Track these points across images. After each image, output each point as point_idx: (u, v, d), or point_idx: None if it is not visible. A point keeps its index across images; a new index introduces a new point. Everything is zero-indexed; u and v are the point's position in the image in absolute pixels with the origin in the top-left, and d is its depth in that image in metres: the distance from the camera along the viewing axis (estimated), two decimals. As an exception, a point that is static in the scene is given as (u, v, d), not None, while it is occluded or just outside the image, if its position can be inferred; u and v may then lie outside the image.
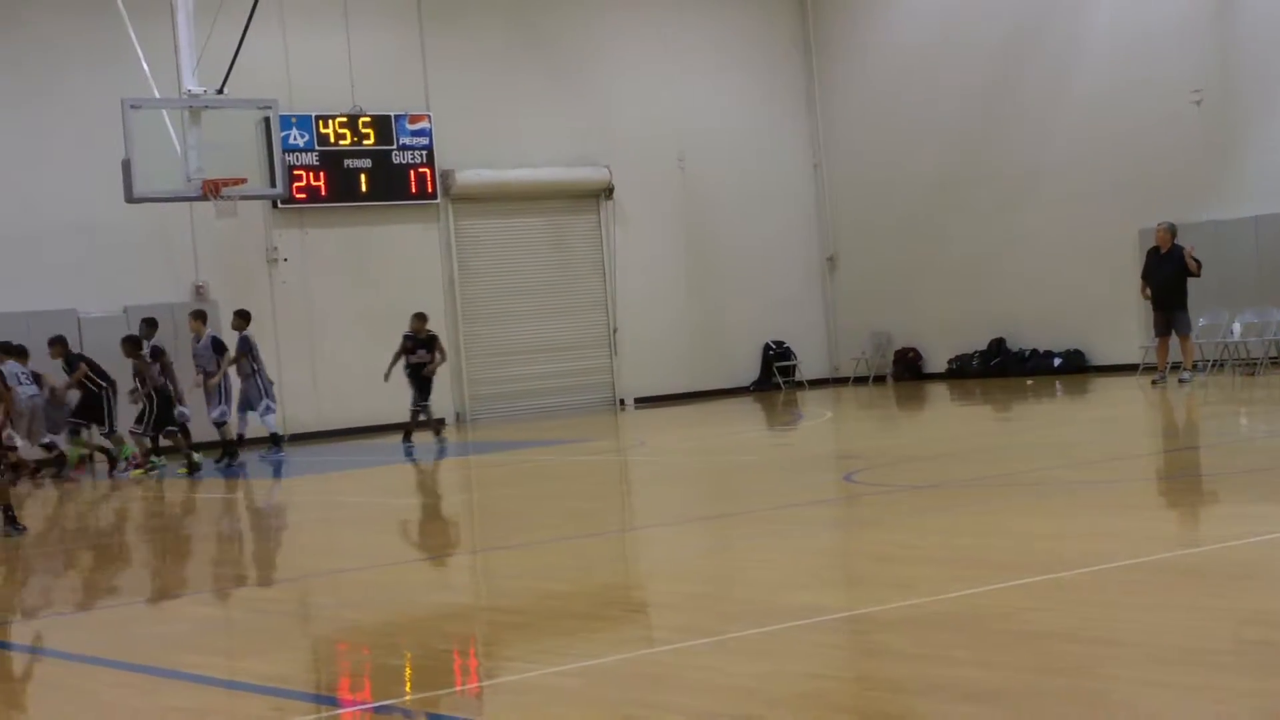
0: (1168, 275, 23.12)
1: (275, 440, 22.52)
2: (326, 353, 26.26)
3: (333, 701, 7.67)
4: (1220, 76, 25.46)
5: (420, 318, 23.22)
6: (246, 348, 22.10)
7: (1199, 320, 24.36)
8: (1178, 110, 25.71)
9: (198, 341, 21.46)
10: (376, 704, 7.42)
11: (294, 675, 8.33)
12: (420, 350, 22.99)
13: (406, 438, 22.97)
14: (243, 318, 22.29)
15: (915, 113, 29.54)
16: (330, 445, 24.95)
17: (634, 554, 12.18)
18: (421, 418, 23.00)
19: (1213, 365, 24.64)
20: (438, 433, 23.18)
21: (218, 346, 21.32)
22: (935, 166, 29.26)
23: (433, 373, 23.04)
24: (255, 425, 22.49)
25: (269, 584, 11.91)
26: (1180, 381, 22.75)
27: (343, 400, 26.35)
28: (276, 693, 7.70)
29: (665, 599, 9.90)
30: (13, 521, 15.21)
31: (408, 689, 7.76)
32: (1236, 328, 24.76)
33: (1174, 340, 23.34)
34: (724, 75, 30.76)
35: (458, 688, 7.79)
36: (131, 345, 21.15)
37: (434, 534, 14.35)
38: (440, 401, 26.96)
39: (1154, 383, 23.06)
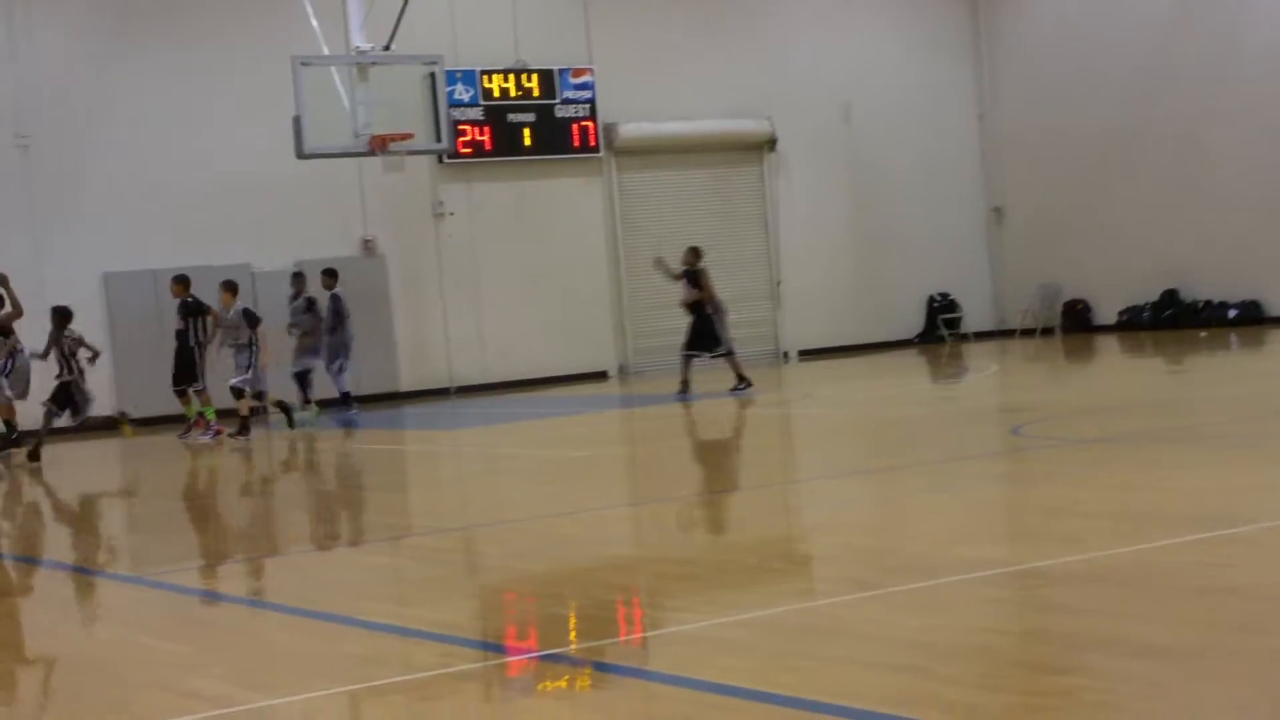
0: None
1: (346, 400, 22.60)
2: (491, 306, 26.50)
3: (500, 649, 7.77)
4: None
5: (694, 252, 22.30)
6: (338, 306, 22.22)
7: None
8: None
9: (228, 312, 21.19)
10: (543, 653, 7.51)
11: (462, 623, 8.46)
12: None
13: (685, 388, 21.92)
14: (332, 276, 22.46)
15: (1083, 61, 28.99)
16: (495, 398, 25.20)
17: (799, 506, 12.17)
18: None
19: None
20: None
21: (250, 318, 21.01)
22: (1104, 115, 28.70)
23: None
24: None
25: (436, 533, 12.08)
26: None
27: (507, 353, 26.60)
28: (446, 639, 7.82)
29: (831, 551, 9.88)
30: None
31: (573, 638, 7.83)
32: None
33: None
34: (888, 25, 30.44)
35: (623, 638, 7.85)
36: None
37: (598, 486, 14.45)
38: (602, 354, 27.12)
39: None
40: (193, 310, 20.82)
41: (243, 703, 6.83)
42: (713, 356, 21.88)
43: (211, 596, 10.01)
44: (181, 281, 21.10)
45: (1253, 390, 17.90)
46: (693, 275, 21.88)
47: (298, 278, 22.71)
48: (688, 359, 21.73)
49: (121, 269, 24.04)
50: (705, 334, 21.61)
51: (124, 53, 24.27)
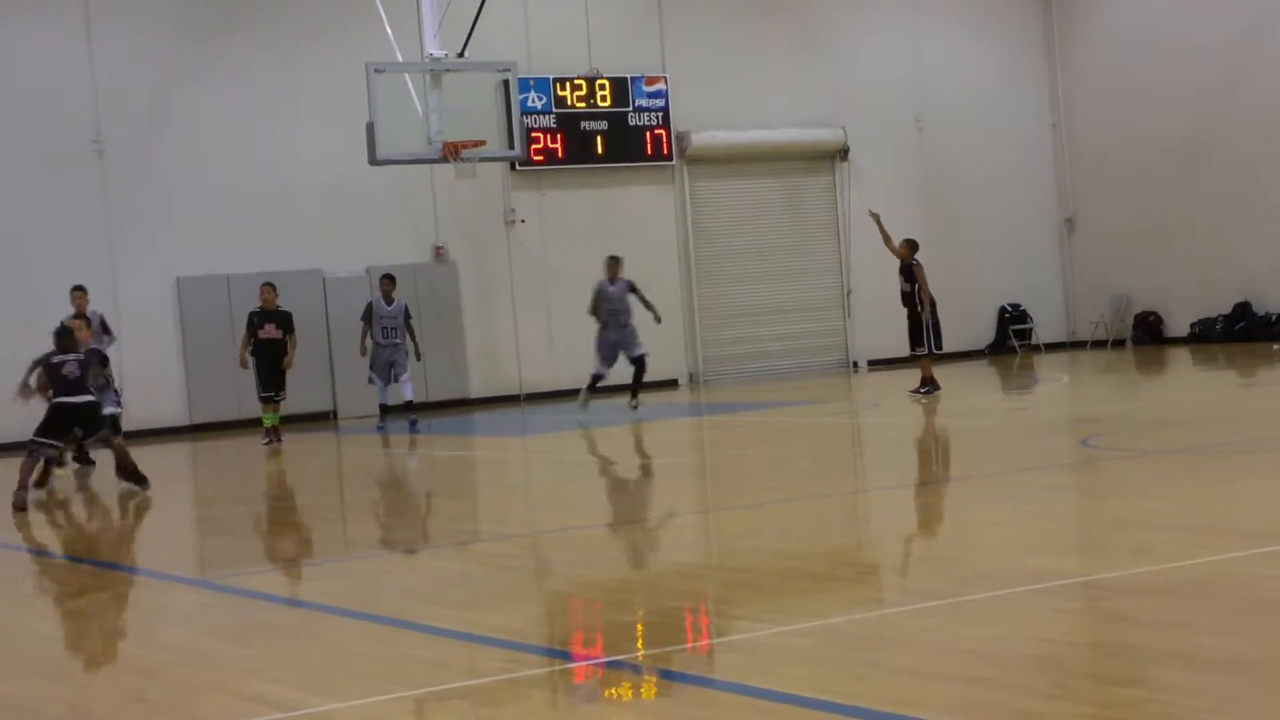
0: None
1: (411, 407, 22.33)
2: (561, 314, 26.54)
3: (565, 656, 7.79)
4: None
5: (911, 245, 21.99)
6: (407, 315, 21.99)
7: None
8: None
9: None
10: (608, 659, 7.52)
11: (527, 629, 8.48)
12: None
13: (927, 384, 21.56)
14: (392, 282, 22.19)
15: (1155, 72, 28.76)
16: (564, 405, 25.25)
17: (866, 515, 12.14)
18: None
19: None
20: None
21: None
22: (1177, 126, 28.46)
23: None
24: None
25: (503, 539, 12.12)
26: None
27: (577, 361, 26.60)
28: (510, 646, 7.85)
29: (897, 561, 9.85)
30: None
31: (639, 646, 7.84)
32: None
33: None
34: (962, 34, 30.30)
35: (688, 645, 7.86)
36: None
37: (665, 493, 14.45)
38: (673, 362, 27.13)
39: None
40: (286, 319, 20.86)
41: (306, 707, 6.88)
42: (912, 355, 21.76)
43: (277, 601, 10.07)
44: (272, 288, 21.15)
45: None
46: (908, 269, 21.75)
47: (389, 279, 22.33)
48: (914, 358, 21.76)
49: (195, 273, 24.25)
50: (914, 330, 21.58)
51: (199, 57, 24.50)
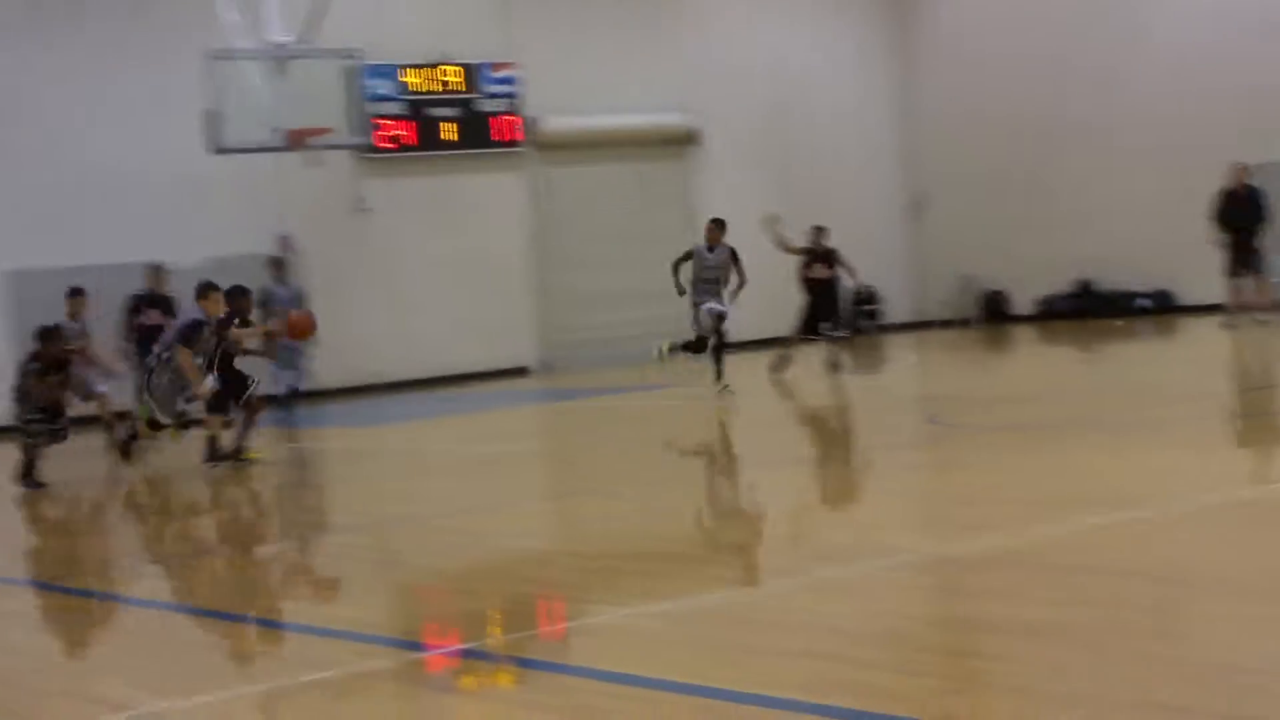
0: (1244, 216, 22.86)
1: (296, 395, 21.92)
2: (411, 302, 26.37)
3: (419, 646, 7.76)
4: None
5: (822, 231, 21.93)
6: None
7: (1277, 261, 24.02)
8: (1263, 47, 25.28)
9: (710, 251, 20.03)
10: (461, 647, 7.50)
11: (378, 620, 8.44)
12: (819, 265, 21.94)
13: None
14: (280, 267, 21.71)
15: (1002, 55, 29.19)
16: (415, 394, 25.14)
17: (720, 496, 12.22)
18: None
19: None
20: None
21: (735, 255, 19.95)
22: (1022, 109, 28.91)
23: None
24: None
25: (354, 531, 12.03)
26: (1259, 323, 22.41)
27: (429, 349, 26.50)
28: (361, 638, 7.80)
29: (750, 541, 9.94)
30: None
31: (493, 633, 7.83)
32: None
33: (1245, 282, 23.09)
34: (811, 19, 30.51)
35: (543, 631, 7.86)
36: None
37: (517, 480, 14.44)
38: (523, 349, 27.09)
39: (1222, 325, 22.72)
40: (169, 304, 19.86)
41: (150, 706, 6.78)
42: (829, 334, 21.66)
43: (121, 601, 9.89)
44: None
45: (1162, 377, 18.14)
46: (828, 254, 22.07)
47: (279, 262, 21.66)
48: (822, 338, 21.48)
49: (29, 266, 23.65)
50: (831, 309, 21.62)
51: (29, 45, 23.93)
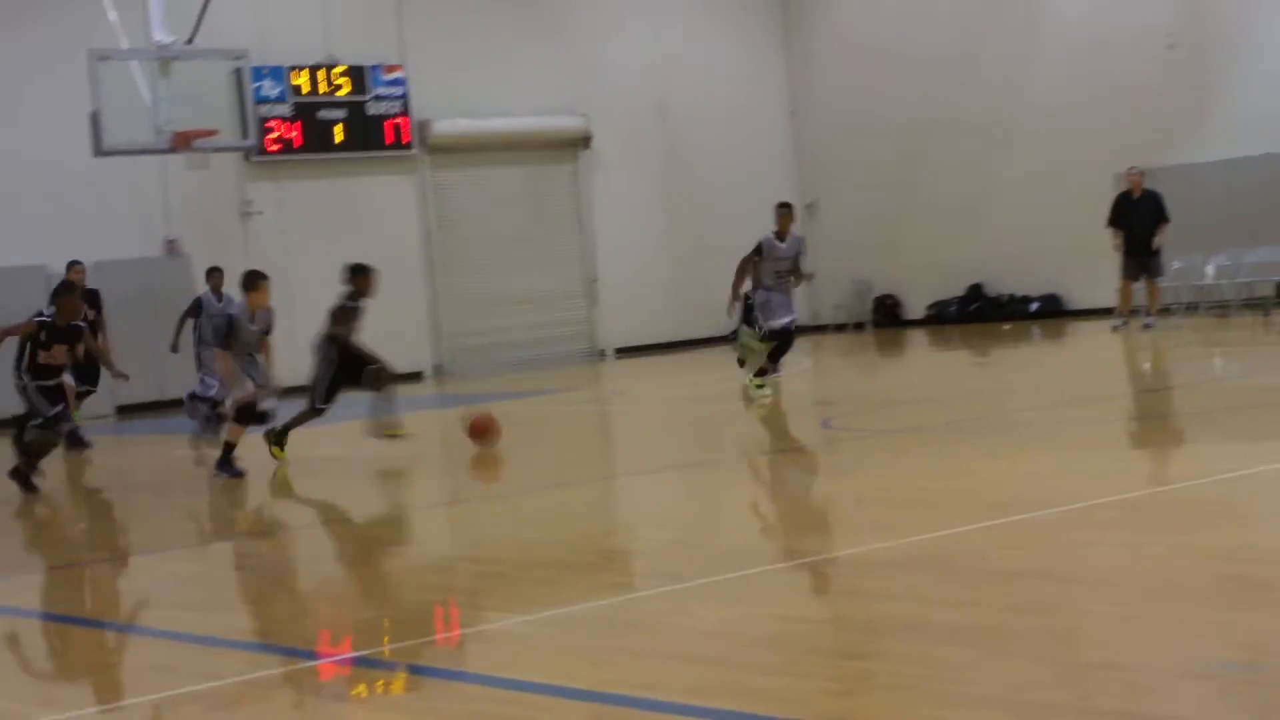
0: (1143, 220, 23.18)
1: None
2: (303, 307, 26.10)
3: (310, 654, 7.68)
4: (1192, 21, 25.44)
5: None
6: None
7: (1173, 264, 24.44)
8: (1151, 56, 25.70)
9: (782, 241, 18.55)
10: (354, 655, 7.44)
11: (269, 629, 8.35)
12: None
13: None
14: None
15: (892, 57, 29.44)
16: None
17: (612, 502, 12.21)
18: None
19: (1186, 308, 24.72)
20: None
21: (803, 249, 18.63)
22: (912, 113, 29.18)
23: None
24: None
25: (244, 539, 11.90)
26: (1145, 326, 22.75)
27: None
28: (251, 647, 7.72)
29: (642, 546, 9.93)
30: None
31: (386, 640, 7.77)
32: (1210, 270, 24.82)
33: (1140, 286, 23.42)
34: (702, 21, 30.62)
35: (435, 638, 7.81)
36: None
37: (411, 486, 14.36)
38: (418, 353, 26.94)
39: (1115, 328, 23.03)
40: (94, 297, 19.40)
41: (32, 718, 6.66)
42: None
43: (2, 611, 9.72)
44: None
45: (1051, 380, 18.36)
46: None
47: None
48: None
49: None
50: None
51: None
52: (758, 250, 18.27)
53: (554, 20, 28.97)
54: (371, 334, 25.39)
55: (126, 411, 22.73)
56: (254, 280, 15.69)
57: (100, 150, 19.23)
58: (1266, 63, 24.76)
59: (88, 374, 18.76)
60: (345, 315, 15.34)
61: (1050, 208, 27.15)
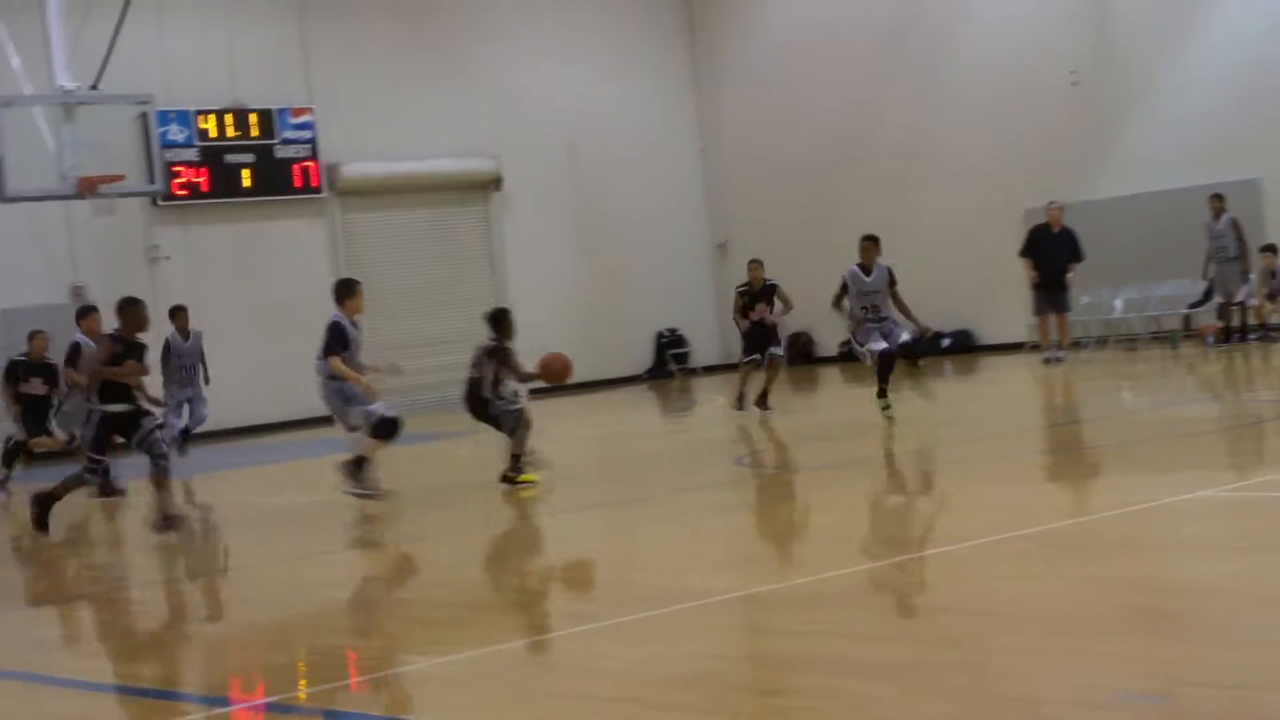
0: (1058, 254, 23.48)
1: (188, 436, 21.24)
2: (212, 352, 25.87)
3: (224, 701, 7.60)
4: (1096, 58, 25.78)
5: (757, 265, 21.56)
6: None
7: (1082, 299, 24.75)
8: (1056, 91, 26.01)
9: (868, 275, 18.15)
10: (269, 700, 7.36)
11: (178, 676, 8.26)
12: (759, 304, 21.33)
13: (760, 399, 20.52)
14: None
15: (799, 99, 29.65)
16: (220, 445, 24.69)
17: (529, 542, 12.19)
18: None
19: (1096, 342, 25.01)
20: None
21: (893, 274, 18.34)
22: (820, 151, 29.39)
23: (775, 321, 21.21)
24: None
25: (155, 586, 11.76)
26: (1055, 360, 23.01)
27: (232, 400, 26.04)
28: (160, 694, 7.63)
29: (559, 587, 9.92)
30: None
31: (302, 685, 7.70)
32: (1118, 304, 25.14)
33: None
34: (612, 63, 30.72)
35: (353, 681, 7.75)
36: None
37: (328, 530, 14.24)
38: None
39: (1046, 361, 23.26)
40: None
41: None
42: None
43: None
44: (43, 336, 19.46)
45: (963, 415, 18.50)
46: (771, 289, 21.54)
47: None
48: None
49: None
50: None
51: None
52: (843, 286, 18.23)
53: (463, 62, 28.98)
54: (282, 379, 25.35)
55: (36, 459, 22.35)
56: (352, 287, 15.90)
57: (4, 196, 19.00)
58: (1169, 98, 25.12)
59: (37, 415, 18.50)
60: (502, 354, 15.23)
61: (960, 244, 27.40)
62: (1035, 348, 24.09)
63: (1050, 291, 23.46)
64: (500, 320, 15.42)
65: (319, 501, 15.79)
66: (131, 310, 14.08)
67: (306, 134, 26.85)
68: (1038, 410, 19.13)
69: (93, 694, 7.82)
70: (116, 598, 11.32)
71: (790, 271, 30.11)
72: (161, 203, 25.30)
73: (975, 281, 27.26)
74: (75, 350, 18.05)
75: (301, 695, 7.43)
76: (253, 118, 26.30)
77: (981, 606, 7.63)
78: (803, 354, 30.42)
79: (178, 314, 20.62)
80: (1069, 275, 23.35)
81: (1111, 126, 25.74)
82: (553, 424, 21.41)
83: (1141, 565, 8.37)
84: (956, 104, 27.60)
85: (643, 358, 31.07)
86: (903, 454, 14.70)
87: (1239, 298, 22.96)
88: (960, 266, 27.39)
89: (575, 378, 25.95)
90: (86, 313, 18.76)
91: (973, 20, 27.42)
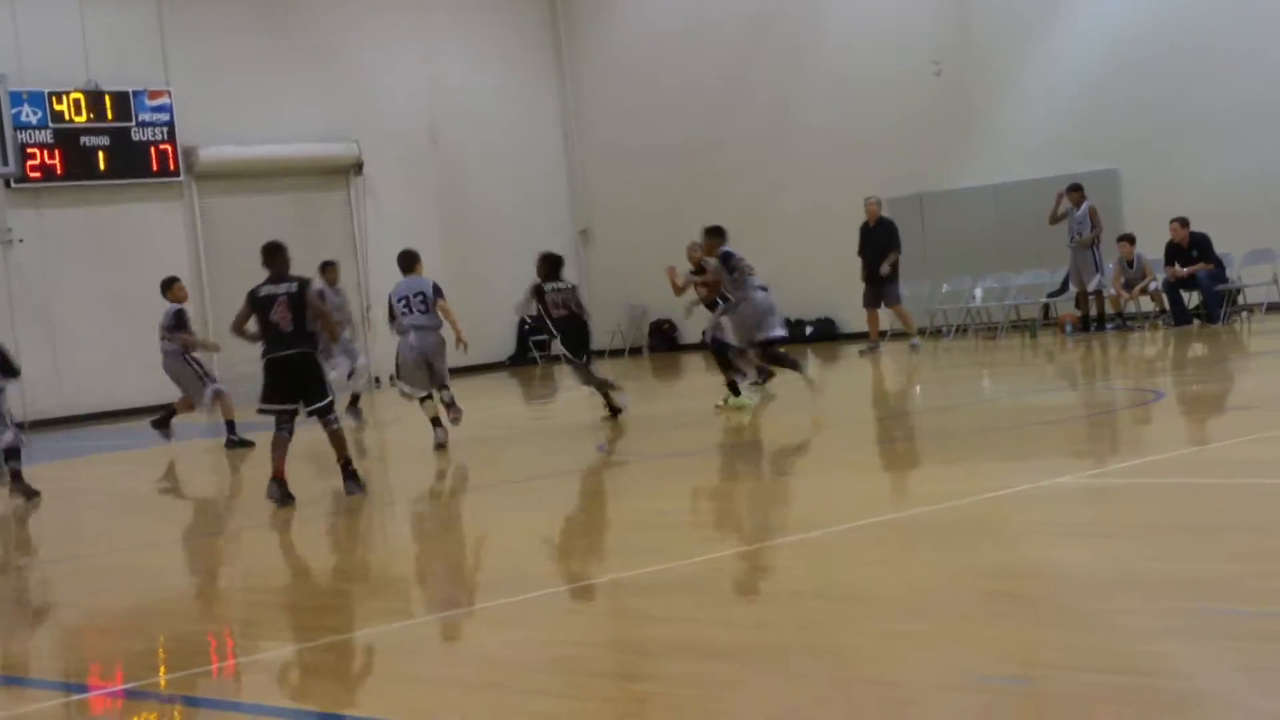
0: (875, 247, 23.86)
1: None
2: (68, 337, 25.53)
3: (80, 688, 7.50)
4: (958, 48, 26.11)
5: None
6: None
7: (943, 286, 25.06)
8: (919, 80, 26.28)
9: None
10: (128, 687, 7.28)
11: (32, 664, 8.13)
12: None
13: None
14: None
15: (661, 86, 29.72)
16: (74, 431, 24.30)
17: (388, 528, 12.12)
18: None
19: (956, 330, 25.35)
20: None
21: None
22: (683, 139, 29.48)
23: None
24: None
25: (8, 571, 11.56)
26: (912, 347, 23.34)
27: (85, 384, 25.65)
28: (15, 681, 7.51)
29: (418, 572, 9.89)
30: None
31: (160, 672, 7.61)
32: (978, 293, 25.51)
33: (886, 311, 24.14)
34: (473, 47, 30.60)
35: (211, 668, 7.68)
36: None
37: (183, 516, 14.08)
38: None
39: (861, 353, 23.59)
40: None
41: None
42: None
43: None
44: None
45: (822, 402, 18.64)
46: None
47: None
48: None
49: None
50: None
51: None
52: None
53: (323, 45, 28.71)
54: (140, 363, 24.97)
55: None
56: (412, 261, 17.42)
57: None
58: (1030, 88, 25.50)
59: None
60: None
61: (822, 232, 27.61)
62: (901, 335, 24.35)
63: (873, 284, 23.83)
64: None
65: (177, 486, 15.62)
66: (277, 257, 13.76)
67: (164, 116, 26.45)
68: (895, 398, 19.35)
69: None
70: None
71: (653, 257, 30.23)
72: (15, 185, 24.81)
73: (837, 269, 27.44)
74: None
75: (161, 682, 7.35)
76: (109, 99, 25.85)
77: (839, 591, 7.72)
78: (666, 341, 30.54)
79: None
80: (884, 267, 23.66)
81: (973, 116, 26.07)
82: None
83: (999, 550, 8.50)
84: (820, 92, 27.81)
85: (505, 345, 31.00)
86: (759, 442, 14.80)
87: (1091, 287, 23.36)
88: (822, 254, 27.58)
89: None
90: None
91: (836, 8, 27.65)
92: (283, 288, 13.10)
